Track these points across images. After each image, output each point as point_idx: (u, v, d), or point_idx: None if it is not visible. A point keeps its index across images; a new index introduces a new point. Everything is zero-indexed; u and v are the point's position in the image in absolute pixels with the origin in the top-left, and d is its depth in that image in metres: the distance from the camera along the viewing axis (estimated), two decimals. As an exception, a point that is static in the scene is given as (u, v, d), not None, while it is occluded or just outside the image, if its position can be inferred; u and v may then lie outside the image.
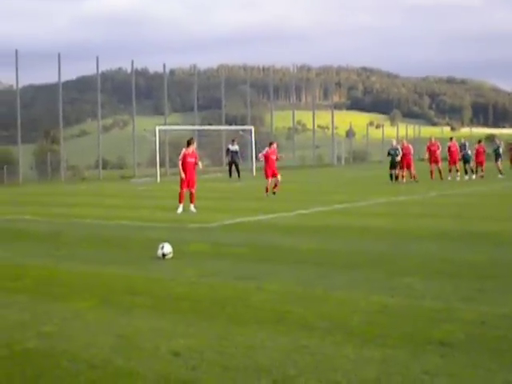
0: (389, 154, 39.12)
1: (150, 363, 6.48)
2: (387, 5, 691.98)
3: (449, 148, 40.65)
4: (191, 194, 22.45)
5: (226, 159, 45.30)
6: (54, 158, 51.31)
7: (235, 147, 44.80)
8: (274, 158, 29.97)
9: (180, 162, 22.81)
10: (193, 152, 22.79)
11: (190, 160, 22.62)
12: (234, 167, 44.39)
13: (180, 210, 22.13)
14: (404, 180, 38.13)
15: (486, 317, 7.89)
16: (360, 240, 15.00)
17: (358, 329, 7.51)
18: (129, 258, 13.10)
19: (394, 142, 41.08)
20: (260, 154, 31.98)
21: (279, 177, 29.26)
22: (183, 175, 22.54)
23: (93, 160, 58.42)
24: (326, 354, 6.64)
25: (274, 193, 28.59)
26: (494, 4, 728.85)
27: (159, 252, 12.66)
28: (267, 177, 29.19)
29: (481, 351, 6.63)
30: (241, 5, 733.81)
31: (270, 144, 30.76)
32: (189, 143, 23.00)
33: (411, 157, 38.92)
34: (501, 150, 44.82)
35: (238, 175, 43.89)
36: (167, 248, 12.70)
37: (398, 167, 38.55)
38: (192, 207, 22.25)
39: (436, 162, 39.17)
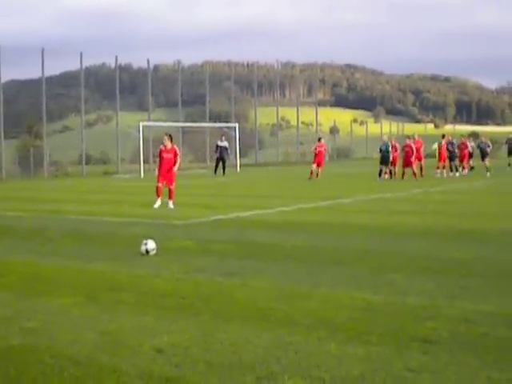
0: (380, 150, 39.35)
1: (133, 360, 6.47)
2: (372, 2, 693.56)
3: (439, 146, 41.11)
4: (169, 191, 22.48)
5: (214, 155, 45.37)
6: (37, 154, 51.05)
7: (224, 143, 45.04)
8: (322, 150, 39.99)
9: (157, 159, 23.11)
10: (171, 148, 22.82)
11: (167, 156, 22.69)
12: (220, 164, 44.48)
13: (157, 204, 22.23)
14: (396, 177, 38.57)
15: (469, 314, 7.92)
16: (344, 237, 15.04)
17: (341, 325, 7.53)
18: (113, 254, 13.06)
19: (385, 138, 41.34)
20: (312, 148, 40.48)
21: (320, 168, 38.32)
22: (157, 170, 22.85)
23: (76, 156, 58.19)
24: (309, 351, 6.65)
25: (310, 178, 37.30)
26: (477, 3, 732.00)
27: (143, 248, 12.64)
28: (318, 165, 38.87)
29: (464, 348, 6.65)
30: (225, 1, 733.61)
31: (319, 139, 41.13)
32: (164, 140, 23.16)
33: (397, 154, 39.22)
34: (488, 150, 45.05)
35: (224, 172, 43.99)
36: (151, 244, 12.68)
37: (390, 164, 38.94)
38: (170, 204, 22.29)
39: (419, 159, 39.44)
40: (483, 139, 46.68)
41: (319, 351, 6.64)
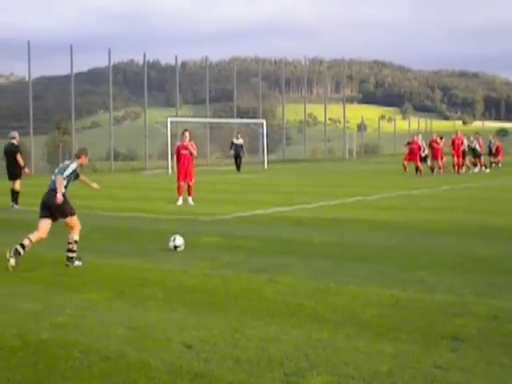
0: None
1: (161, 355, 6.50)
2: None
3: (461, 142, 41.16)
4: (189, 187, 22.46)
5: (230, 152, 45.67)
6: (65, 150, 51.30)
7: (240, 141, 45.46)
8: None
9: (175, 156, 22.93)
10: (188, 144, 22.73)
11: (184, 152, 22.59)
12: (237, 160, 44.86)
13: (180, 202, 22.24)
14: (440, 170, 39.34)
15: (498, 311, 7.88)
16: (372, 234, 14.99)
17: (370, 322, 7.51)
18: (141, 249, 13.11)
19: (420, 137, 41.63)
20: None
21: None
22: (176, 168, 22.71)
23: (104, 152, 58.36)
24: (337, 348, 6.65)
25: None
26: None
27: (171, 244, 12.68)
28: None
29: (493, 346, 6.62)
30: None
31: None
32: (182, 135, 23.08)
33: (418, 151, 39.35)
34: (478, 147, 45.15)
35: (238, 168, 44.24)
36: (179, 240, 12.71)
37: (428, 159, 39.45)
38: (190, 200, 22.31)
39: (457, 156, 39.87)
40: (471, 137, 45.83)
41: (347, 348, 6.63)
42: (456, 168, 40.08)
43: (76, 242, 11.69)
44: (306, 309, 8.16)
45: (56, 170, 12.03)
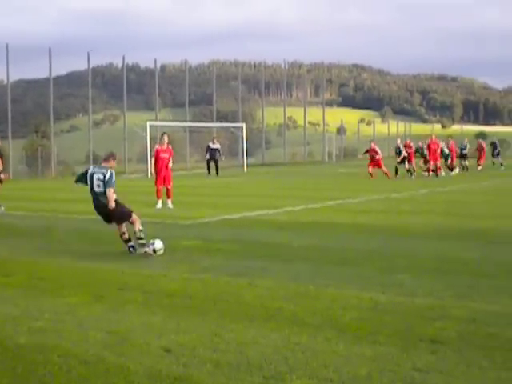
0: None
1: (141, 359, 6.48)
2: (378, 2, 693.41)
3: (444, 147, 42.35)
4: (167, 191, 22.50)
5: (206, 156, 45.95)
6: (44, 153, 51.07)
7: (216, 145, 45.74)
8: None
9: (153, 159, 22.88)
10: (167, 148, 22.76)
11: (163, 156, 22.63)
12: (212, 164, 45.06)
13: (159, 205, 22.23)
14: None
15: (477, 314, 7.91)
16: (352, 237, 15.02)
17: (349, 325, 7.52)
18: (120, 254, 13.08)
19: (398, 141, 42.16)
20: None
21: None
22: (154, 172, 22.73)
23: (83, 155, 58.15)
24: (317, 351, 6.65)
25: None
26: (484, 3, 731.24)
27: (150, 248, 12.65)
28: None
29: (473, 349, 6.64)
30: (228, 1, 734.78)
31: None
32: (160, 139, 23.05)
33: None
34: (466, 151, 46.69)
35: (217, 172, 44.69)
36: (158, 244, 12.69)
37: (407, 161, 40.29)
38: (169, 203, 22.30)
39: (434, 159, 40.52)
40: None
41: (327, 351, 6.63)
42: (434, 171, 40.43)
43: (141, 230, 13.09)
44: (285, 312, 8.17)
45: (99, 183, 13.08)
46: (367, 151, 40.27)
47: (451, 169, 43.10)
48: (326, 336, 7.13)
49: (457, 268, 10.99)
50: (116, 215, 13.18)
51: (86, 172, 13.39)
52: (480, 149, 47.99)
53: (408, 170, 39.78)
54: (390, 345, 6.79)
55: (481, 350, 6.61)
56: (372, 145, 40.07)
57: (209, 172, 45.14)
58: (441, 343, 6.81)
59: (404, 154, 40.15)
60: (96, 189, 13.08)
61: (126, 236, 13.20)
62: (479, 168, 46.74)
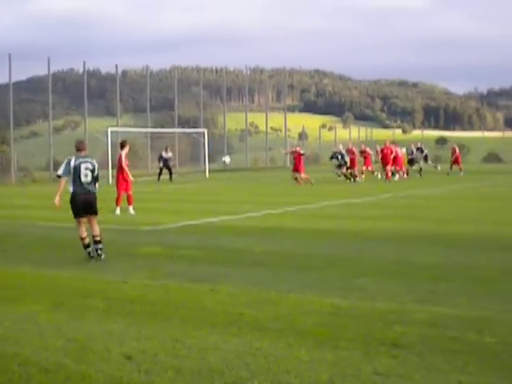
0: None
1: (102, 366, 6.43)
2: (339, 8, 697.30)
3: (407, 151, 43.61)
4: (129, 197, 22.40)
5: (159, 165, 46.71)
6: (4, 160, 50.61)
7: (168, 155, 47.12)
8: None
9: (126, 165, 22.67)
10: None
11: (127, 162, 22.60)
12: (165, 171, 46.50)
13: (118, 212, 22.07)
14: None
15: (438, 318, 7.96)
16: (313, 242, 15.07)
17: (311, 331, 7.53)
18: (81, 260, 12.99)
19: (340, 146, 42.68)
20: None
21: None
22: (116, 178, 22.70)
23: (44, 161, 57.74)
24: (278, 356, 6.65)
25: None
26: (443, 9, 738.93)
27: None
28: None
29: (433, 352, 6.68)
30: (188, 6, 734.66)
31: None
32: (123, 146, 22.93)
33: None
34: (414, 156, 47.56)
35: (170, 178, 45.75)
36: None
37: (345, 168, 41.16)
38: (130, 209, 22.22)
39: (386, 164, 41.13)
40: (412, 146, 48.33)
41: (288, 356, 6.64)
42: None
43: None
44: (247, 318, 8.16)
45: (87, 172, 13.30)
46: (292, 152, 40.68)
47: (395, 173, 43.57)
48: (287, 341, 7.13)
49: (417, 272, 11.07)
50: (96, 208, 13.58)
51: (69, 163, 13.25)
52: (453, 153, 48.35)
53: (346, 176, 41.00)
54: (351, 349, 6.81)
55: (441, 353, 6.65)
56: (297, 149, 40.42)
57: (158, 179, 46.16)
58: (401, 347, 6.85)
59: (346, 159, 40.82)
60: (83, 178, 13.18)
61: (87, 241, 13.20)
62: (461, 173, 47.08)
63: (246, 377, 6.07)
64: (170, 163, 46.72)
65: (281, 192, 33.41)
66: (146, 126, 60.91)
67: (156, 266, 12.12)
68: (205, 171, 52.90)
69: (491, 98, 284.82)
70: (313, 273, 11.23)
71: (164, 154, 46.46)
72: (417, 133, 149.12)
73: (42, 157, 57.87)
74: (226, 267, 11.88)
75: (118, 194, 22.44)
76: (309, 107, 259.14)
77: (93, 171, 13.27)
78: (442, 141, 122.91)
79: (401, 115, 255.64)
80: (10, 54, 50.32)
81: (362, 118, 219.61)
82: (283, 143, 76.07)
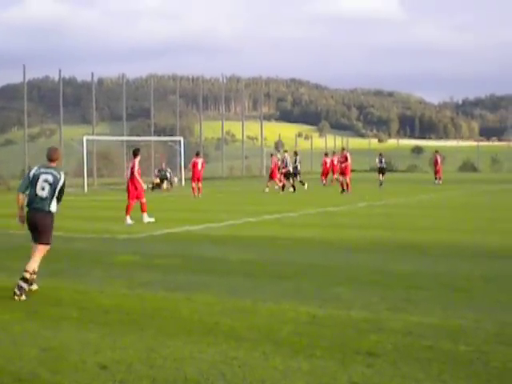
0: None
1: (76, 376, 6.39)
2: (315, 17, 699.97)
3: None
4: (142, 204, 22.28)
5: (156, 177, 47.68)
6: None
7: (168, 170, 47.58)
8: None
9: (138, 173, 22.41)
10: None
11: (139, 170, 22.48)
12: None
13: (129, 221, 21.75)
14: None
15: (413, 327, 7.99)
16: (290, 251, 15.07)
17: (286, 340, 7.53)
18: (55, 269, 12.89)
19: (286, 155, 43.45)
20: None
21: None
22: (144, 185, 22.62)
23: (19, 169, 57.38)
24: (254, 365, 6.64)
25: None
26: (418, 19, 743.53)
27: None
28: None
29: (408, 361, 6.70)
30: (165, 14, 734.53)
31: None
32: (136, 154, 22.78)
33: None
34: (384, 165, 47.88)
35: (153, 188, 46.19)
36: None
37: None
38: (145, 216, 22.09)
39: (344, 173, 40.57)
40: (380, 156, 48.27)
41: (264, 366, 6.63)
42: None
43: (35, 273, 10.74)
44: (223, 327, 8.15)
45: (45, 185, 10.82)
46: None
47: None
48: (263, 350, 7.13)
49: (393, 281, 11.11)
50: (47, 234, 10.89)
51: (29, 173, 11.14)
52: (435, 163, 48.73)
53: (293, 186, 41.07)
54: (327, 358, 6.82)
55: (416, 362, 6.67)
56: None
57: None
58: (377, 356, 6.86)
59: (289, 168, 40.82)
60: (39, 192, 10.72)
61: (34, 276, 10.69)
62: (439, 182, 47.56)
63: (222, 386, 6.05)
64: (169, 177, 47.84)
65: (258, 201, 33.42)
66: (122, 135, 60.69)
67: (131, 274, 12.08)
68: (181, 180, 52.77)
69: (466, 108, 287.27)
70: (289, 281, 11.23)
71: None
72: (392, 142, 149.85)
73: (17, 165, 57.50)
74: (202, 276, 11.86)
75: (129, 203, 22.16)
76: (285, 116, 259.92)
77: (52, 185, 10.72)
78: (417, 150, 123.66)
79: (377, 124, 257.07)
80: (-16, 62, 50.04)
81: (338, 127, 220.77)
82: (259, 152, 76.11)
